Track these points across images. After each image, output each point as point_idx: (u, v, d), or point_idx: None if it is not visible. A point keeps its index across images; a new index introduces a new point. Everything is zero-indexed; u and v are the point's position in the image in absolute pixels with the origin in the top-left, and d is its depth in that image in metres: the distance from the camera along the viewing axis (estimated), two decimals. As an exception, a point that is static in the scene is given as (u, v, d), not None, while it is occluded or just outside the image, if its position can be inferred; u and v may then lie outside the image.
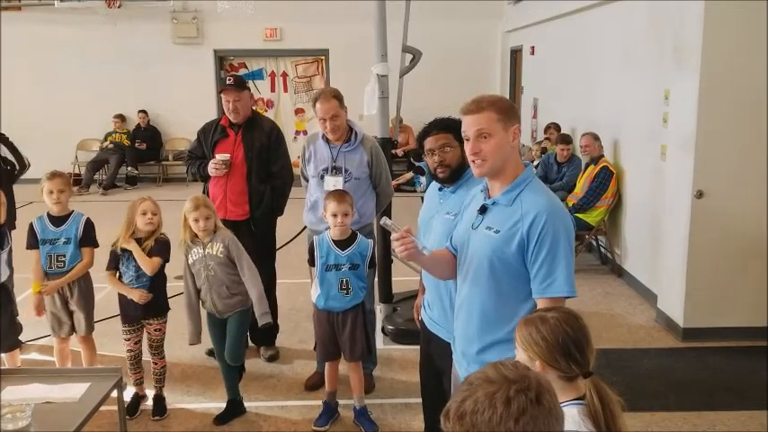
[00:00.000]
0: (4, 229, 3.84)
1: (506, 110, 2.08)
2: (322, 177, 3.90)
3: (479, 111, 2.07)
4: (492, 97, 2.13)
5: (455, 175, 2.61)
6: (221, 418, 3.69)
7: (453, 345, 2.36)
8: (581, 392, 1.68)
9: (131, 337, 3.73)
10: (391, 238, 2.14)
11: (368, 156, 3.89)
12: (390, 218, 2.21)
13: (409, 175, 10.07)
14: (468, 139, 2.10)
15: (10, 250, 3.90)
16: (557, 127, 7.82)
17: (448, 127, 2.61)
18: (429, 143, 2.66)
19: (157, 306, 3.71)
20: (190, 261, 3.61)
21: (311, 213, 4.03)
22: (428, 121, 2.74)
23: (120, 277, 3.67)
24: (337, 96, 3.80)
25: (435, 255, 2.35)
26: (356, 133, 3.90)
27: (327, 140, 3.90)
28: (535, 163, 7.36)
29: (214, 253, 3.56)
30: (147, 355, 3.84)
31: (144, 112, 11.00)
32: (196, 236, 3.57)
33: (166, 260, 3.71)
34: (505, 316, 2.09)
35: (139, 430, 3.62)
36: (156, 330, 3.74)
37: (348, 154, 3.88)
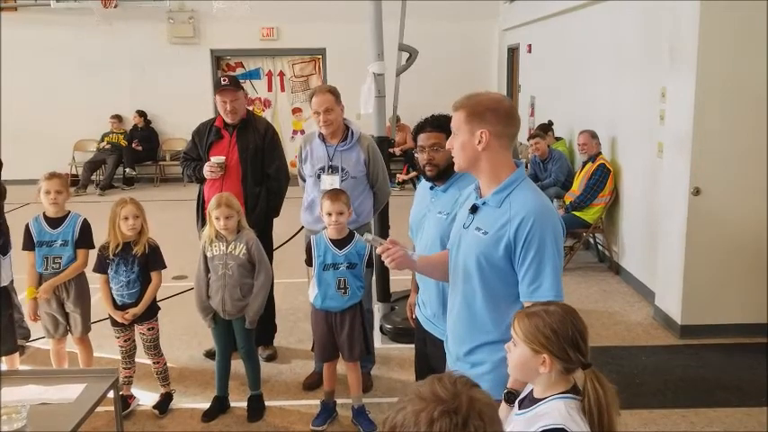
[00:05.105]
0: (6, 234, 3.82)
1: (479, 112, 2.02)
2: (319, 177, 3.89)
3: (454, 110, 2.09)
4: (469, 97, 2.07)
5: (443, 174, 2.62)
6: (251, 416, 3.70)
7: (446, 344, 2.35)
8: (569, 385, 1.67)
9: (121, 336, 3.73)
10: (377, 251, 2.22)
11: (364, 154, 3.88)
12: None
13: (413, 173, 10.09)
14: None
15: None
16: (542, 128, 7.80)
17: (441, 126, 2.61)
18: (421, 140, 2.69)
19: (146, 311, 3.67)
20: (209, 255, 3.57)
21: (308, 213, 4.02)
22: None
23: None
24: (333, 91, 3.82)
25: (433, 258, 2.38)
26: (352, 132, 3.90)
27: (324, 139, 3.89)
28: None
29: (236, 253, 3.54)
30: (146, 358, 3.83)
31: (141, 112, 10.98)
32: (219, 232, 3.56)
33: (163, 268, 3.71)
34: (495, 317, 2.08)
35: (136, 431, 3.61)
36: (148, 330, 3.73)
37: (344, 153, 3.87)
